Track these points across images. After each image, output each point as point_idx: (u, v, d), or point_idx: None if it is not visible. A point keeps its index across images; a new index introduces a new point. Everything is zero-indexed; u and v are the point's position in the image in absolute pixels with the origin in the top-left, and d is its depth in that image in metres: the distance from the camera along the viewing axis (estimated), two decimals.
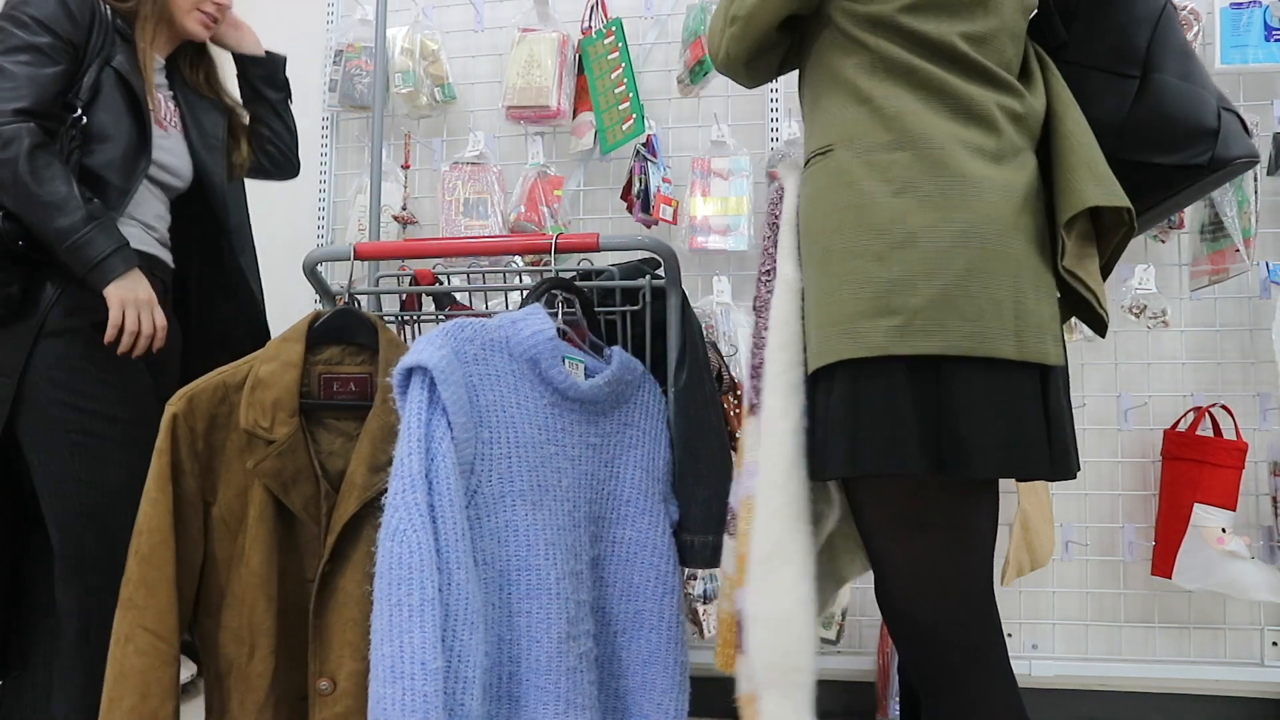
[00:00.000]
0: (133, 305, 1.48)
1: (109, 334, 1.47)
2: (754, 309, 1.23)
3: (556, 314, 1.33)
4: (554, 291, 1.35)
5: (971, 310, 1.00)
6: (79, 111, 1.51)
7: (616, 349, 1.35)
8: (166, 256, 1.69)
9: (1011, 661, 1.10)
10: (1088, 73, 1.14)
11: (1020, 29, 1.14)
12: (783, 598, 1.09)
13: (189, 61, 1.77)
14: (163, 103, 1.67)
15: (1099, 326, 1.13)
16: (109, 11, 1.58)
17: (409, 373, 1.16)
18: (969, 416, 1.00)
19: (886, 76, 1.07)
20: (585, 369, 1.32)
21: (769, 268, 1.21)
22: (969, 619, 1.08)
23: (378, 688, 1.05)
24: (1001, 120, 1.07)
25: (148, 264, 1.58)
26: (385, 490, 1.23)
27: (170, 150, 1.67)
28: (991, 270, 1.01)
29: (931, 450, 1.00)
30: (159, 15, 1.63)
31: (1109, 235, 1.12)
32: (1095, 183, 1.06)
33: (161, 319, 1.52)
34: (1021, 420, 1.02)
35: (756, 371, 1.17)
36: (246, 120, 1.86)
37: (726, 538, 1.24)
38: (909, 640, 1.12)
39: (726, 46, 1.19)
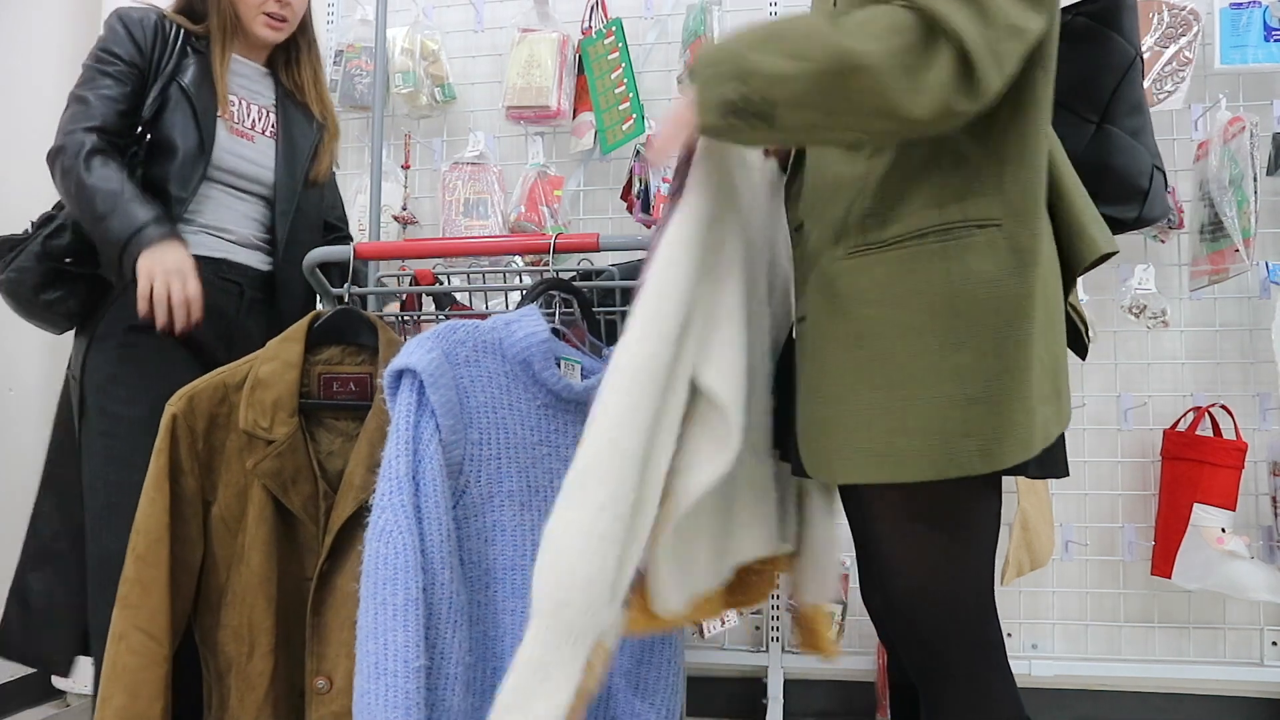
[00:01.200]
0: (161, 274, 1.48)
1: (140, 306, 1.49)
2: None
3: (554, 315, 1.33)
4: (552, 292, 1.36)
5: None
6: (141, 128, 1.59)
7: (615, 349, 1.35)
8: (247, 258, 1.71)
9: (1011, 661, 1.11)
10: (1055, 110, 1.10)
11: None
12: (576, 531, 0.98)
13: (285, 67, 1.82)
14: (253, 111, 1.74)
15: (1083, 352, 1.15)
16: (179, 32, 1.66)
17: (399, 375, 1.17)
18: None
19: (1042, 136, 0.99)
20: (582, 370, 1.32)
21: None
22: (973, 616, 1.08)
23: (362, 683, 1.07)
24: None
25: (213, 267, 1.63)
26: None
27: (251, 159, 1.71)
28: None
29: None
30: (228, 27, 1.69)
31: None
32: (1099, 227, 1.06)
33: (194, 287, 1.52)
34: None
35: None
36: (337, 136, 1.90)
37: None
38: (912, 638, 1.12)
39: (1008, 67, 0.92)
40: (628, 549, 1.02)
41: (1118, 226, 1.15)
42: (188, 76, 1.64)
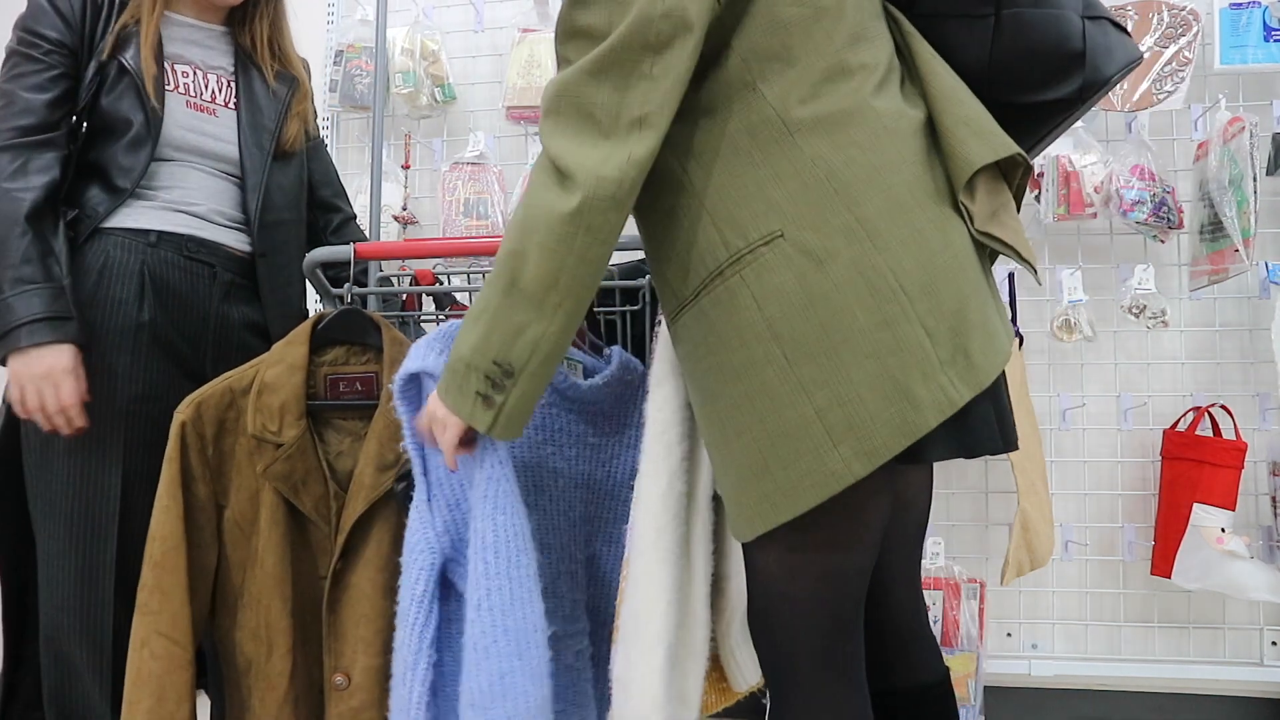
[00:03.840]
0: (30, 382, 1.36)
1: (15, 408, 1.40)
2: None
3: None
4: None
5: (993, 326, 0.98)
6: (82, 106, 1.48)
7: (616, 349, 1.35)
8: (220, 235, 1.57)
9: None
10: (943, 22, 1.06)
11: None
12: (644, 662, 1.07)
13: (241, 24, 1.64)
14: (211, 81, 1.58)
15: (1034, 271, 1.08)
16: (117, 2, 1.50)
17: (411, 378, 1.16)
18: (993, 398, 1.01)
19: (788, 148, 0.96)
20: (584, 369, 1.32)
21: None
22: (833, 626, 1.04)
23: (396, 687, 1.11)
24: (892, 99, 1.01)
25: (176, 245, 1.51)
26: (392, 489, 1.28)
27: (213, 134, 1.57)
28: (976, 282, 0.99)
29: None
30: None
31: (1009, 179, 1.07)
32: (978, 139, 1.00)
33: (69, 394, 1.37)
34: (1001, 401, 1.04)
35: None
36: (308, 94, 1.73)
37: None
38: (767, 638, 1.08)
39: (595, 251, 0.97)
40: (685, 664, 1.11)
41: (1064, 106, 1.06)
42: (129, 50, 1.47)
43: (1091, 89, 1.04)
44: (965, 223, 1.00)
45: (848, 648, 1.05)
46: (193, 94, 1.56)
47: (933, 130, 1.02)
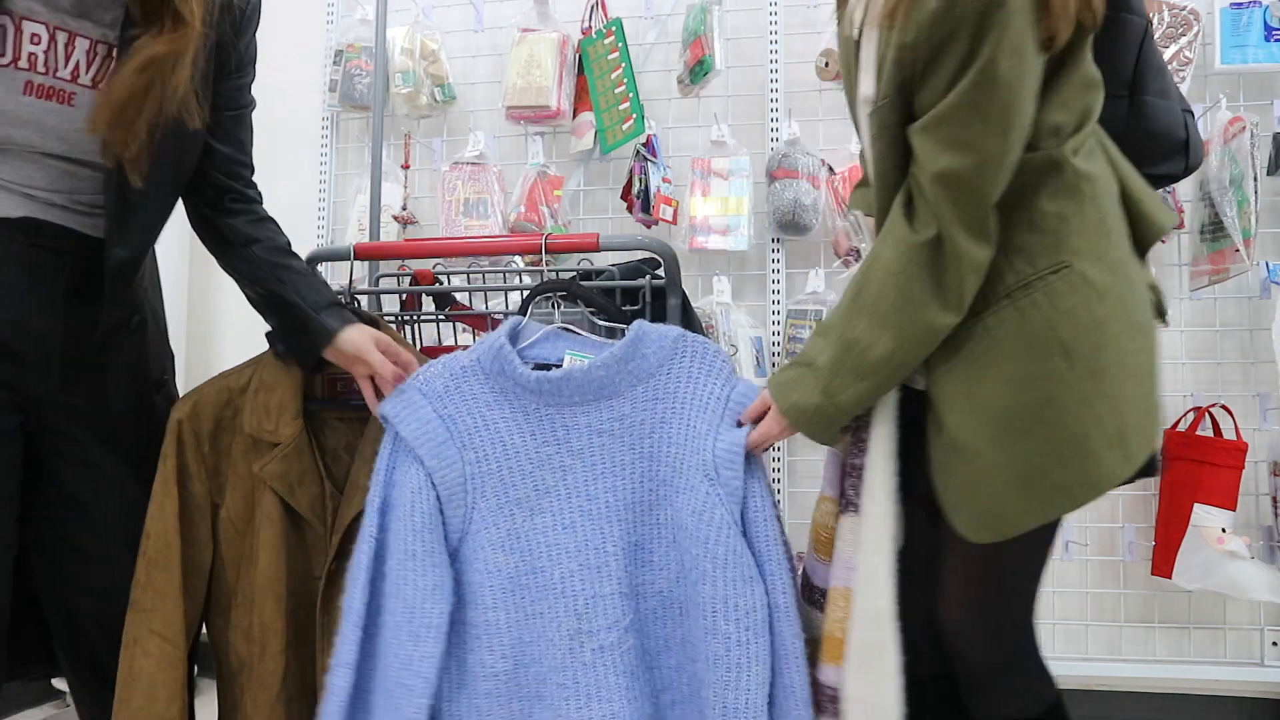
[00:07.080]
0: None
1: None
2: None
3: (551, 314, 1.33)
4: (549, 295, 1.36)
5: None
6: None
7: (638, 323, 1.29)
8: (65, 220, 1.21)
9: None
10: None
11: None
12: (885, 686, 1.14)
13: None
14: (76, 50, 1.14)
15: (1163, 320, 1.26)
16: None
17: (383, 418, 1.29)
18: None
19: (1074, 192, 1.10)
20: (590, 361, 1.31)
21: None
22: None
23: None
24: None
25: (12, 228, 1.18)
26: None
27: (61, 128, 1.16)
28: None
29: None
30: None
31: None
32: (1159, 207, 1.17)
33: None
34: None
35: (855, 471, 1.21)
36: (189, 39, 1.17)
37: (808, 606, 1.28)
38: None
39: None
40: None
41: (1167, 181, 1.27)
42: None
43: (1190, 170, 1.25)
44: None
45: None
46: (35, 69, 1.12)
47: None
